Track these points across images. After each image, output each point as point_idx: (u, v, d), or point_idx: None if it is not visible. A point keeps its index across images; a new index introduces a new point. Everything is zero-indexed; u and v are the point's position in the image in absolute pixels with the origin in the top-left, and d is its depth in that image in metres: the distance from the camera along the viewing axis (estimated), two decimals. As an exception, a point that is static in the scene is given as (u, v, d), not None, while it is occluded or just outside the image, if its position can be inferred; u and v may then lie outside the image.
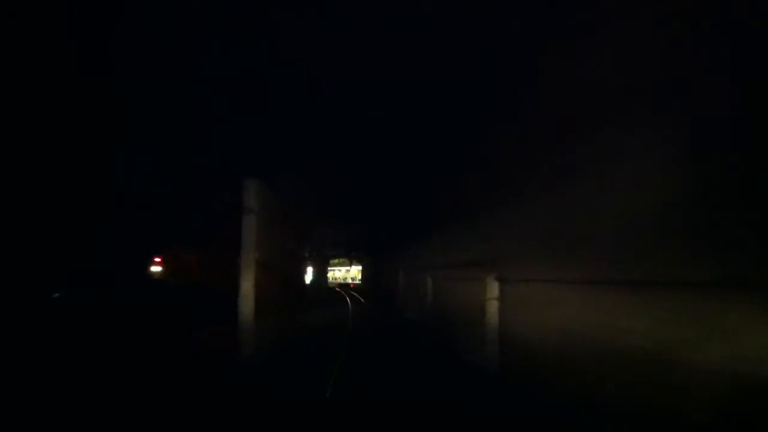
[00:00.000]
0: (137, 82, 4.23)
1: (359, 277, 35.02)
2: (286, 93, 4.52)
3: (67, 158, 5.74)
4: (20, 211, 6.13)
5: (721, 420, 2.14)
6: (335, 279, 41.19)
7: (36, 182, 6.02)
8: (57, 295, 6.94)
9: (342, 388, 4.86)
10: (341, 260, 36.21)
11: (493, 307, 5.17)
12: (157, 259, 12.29)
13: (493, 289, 5.15)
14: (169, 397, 4.15)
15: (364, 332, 9.79)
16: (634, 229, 2.85)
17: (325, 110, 5.08)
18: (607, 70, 3.08)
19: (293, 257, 10.47)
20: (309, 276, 22.45)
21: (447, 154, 6.42)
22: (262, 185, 5.75)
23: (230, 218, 5.72)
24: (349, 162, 7.18)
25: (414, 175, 7.74)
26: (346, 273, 41.12)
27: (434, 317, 8.86)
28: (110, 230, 8.84)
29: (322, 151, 6.68)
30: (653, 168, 2.67)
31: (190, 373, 5.03)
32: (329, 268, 39.37)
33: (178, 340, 6.26)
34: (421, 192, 8.82)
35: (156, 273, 12.25)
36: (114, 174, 6.79)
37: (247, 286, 5.37)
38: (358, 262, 33.05)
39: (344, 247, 24.21)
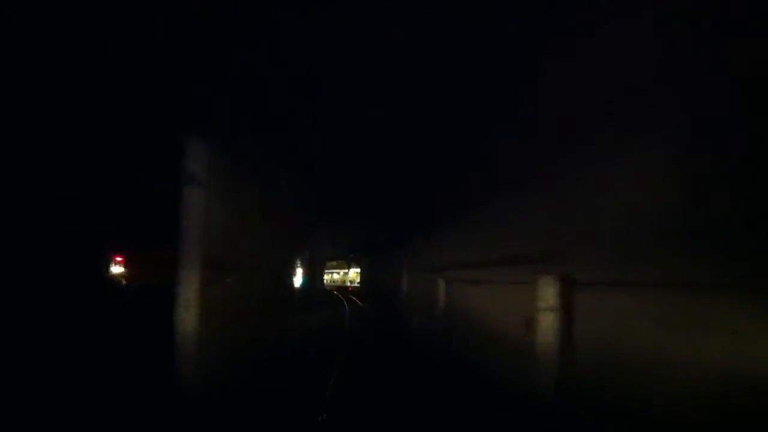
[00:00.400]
0: (137, 81, 4.07)
1: (358, 279, 34.59)
2: (285, 91, 4.37)
3: (67, 158, 5.45)
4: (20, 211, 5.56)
5: None
6: (333, 282, 40.49)
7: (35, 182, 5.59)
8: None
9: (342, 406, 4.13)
10: (339, 262, 35.77)
11: (548, 320, 3.72)
12: (119, 259, 10.45)
13: (550, 295, 3.71)
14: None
15: (364, 343, 8.09)
16: None
17: (321, 104, 4.78)
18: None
19: (279, 256, 8.70)
20: (299, 278, 20.62)
21: (468, 129, 4.96)
22: (216, 151, 4.11)
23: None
24: (348, 155, 6.54)
25: (422, 162, 6.55)
26: (344, 275, 40.29)
27: (450, 328, 7.39)
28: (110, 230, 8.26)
29: (318, 146, 6.07)
30: None
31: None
32: (326, 271, 38.80)
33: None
34: (432, 180, 7.47)
35: (117, 275, 10.36)
36: (113, 173, 6.39)
37: (189, 292, 3.67)
38: (357, 263, 32.68)
39: (344, 248, 23.66)
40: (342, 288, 33.18)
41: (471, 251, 6.36)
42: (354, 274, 36.71)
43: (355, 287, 32.37)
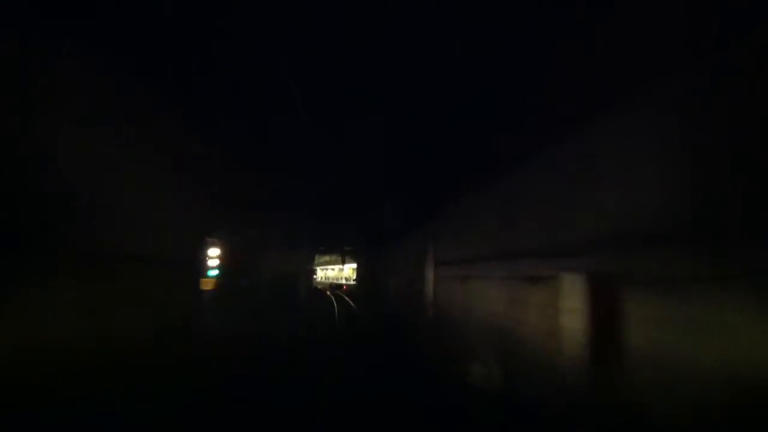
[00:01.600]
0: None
1: (354, 276, 29.95)
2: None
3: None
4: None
5: None
6: (327, 279, 37.65)
7: None
8: None
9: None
10: (333, 257, 31.14)
11: None
12: None
13: None
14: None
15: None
16: None
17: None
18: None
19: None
20: (214, 271, 11.57)
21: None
22: None
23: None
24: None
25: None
26: (340, 272, 36.31)
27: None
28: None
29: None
30: None
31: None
32: (320, 267, 34.93)
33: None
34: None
35: None
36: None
37: None
38: (353, 258, 27.70)
39: (338, 239, 19.11)
40: (337, 286, 29.45)
41: None
42: (350, 270, 32.09)
43: (350, 285, 28.30)
